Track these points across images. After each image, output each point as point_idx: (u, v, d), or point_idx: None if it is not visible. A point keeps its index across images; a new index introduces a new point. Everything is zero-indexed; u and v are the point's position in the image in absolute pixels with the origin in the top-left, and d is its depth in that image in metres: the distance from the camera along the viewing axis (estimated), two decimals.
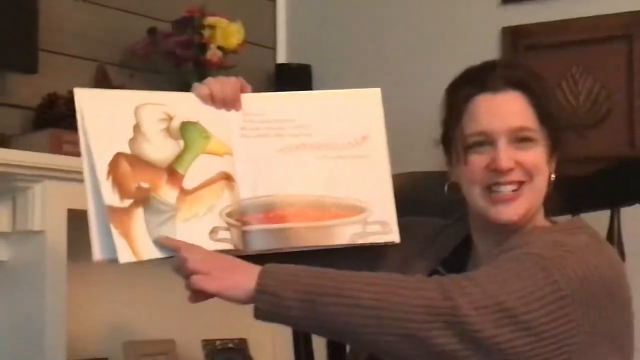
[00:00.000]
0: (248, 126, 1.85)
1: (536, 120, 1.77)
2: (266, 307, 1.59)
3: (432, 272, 1.82)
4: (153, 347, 2.80)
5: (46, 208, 2.41)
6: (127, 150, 1.72)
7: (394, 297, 1.56)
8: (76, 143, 1.72)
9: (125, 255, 1.67)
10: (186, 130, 1.79)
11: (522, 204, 1.77)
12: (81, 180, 1.71)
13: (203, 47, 2.87)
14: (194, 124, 1.80)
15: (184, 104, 1.82)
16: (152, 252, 1.69)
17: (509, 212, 1.76)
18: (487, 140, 1.76)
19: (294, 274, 1.59)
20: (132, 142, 1.74)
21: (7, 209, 2.43)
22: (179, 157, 1.77)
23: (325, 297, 1.56)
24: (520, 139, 1.76)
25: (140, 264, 1.69)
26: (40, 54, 2.64)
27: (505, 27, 3.10)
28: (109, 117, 1.74)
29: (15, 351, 2.42)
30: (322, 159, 1.86)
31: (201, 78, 1.89)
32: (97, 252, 1.68)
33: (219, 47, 2.88)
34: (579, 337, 1.61)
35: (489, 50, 3.08)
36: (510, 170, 1.75)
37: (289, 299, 1.57)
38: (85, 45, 2.86)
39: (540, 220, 1.82)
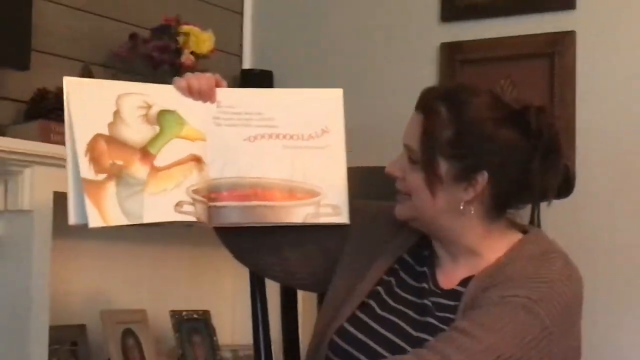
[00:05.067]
0: (221, 116, 1.83)
1: (420, 144, 1.70)
2: None
3: (398, 259, 1.80)
4: (127, 316, 2.79)
5: (34, 190, 2.39)
6: (106, 132, 1.71)
7: None
8: (62, 133, 1.73)
9: (94, 221, 1.66)
10: (163, 118, 1.78)
11: (404, 209, 1.75)
12: (66, 166, 1.71)
13: (178, 52, 2.86)
14: (171, 112, 1.79)
15: (163, 95, 1.80)
16: (119, 220, 1.69)
17: (395, 211, 1.76)
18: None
19: None
20: (111, 125, 1.72)
21: (0, 190, 2.40)
22: (153, 140, 1.75)
23: None
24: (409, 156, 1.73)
25: (108, 228, 1.69)
26: (33, 54, 2.62)
27: (443, 43, 3.11)
28: (92, 102, 1.73)
29: (4, 317, 2.40)
30: (285, 148, 1.84)
31: None
32: (72, 217, 1.68)
33: (192, 52, 2.87)
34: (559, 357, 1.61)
35: (428, 63, 3.11)
36: (396, 177, 1.74)
37: None
38: (72, 47, 2.84)
39: (499, 240, 1.73)
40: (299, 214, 1.83)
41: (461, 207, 1.69)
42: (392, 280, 1.78)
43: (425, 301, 1.72)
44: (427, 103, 1.71)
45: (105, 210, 1.68)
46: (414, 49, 3.15)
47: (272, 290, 2.02)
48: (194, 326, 2.94)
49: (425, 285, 1.75)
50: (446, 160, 1.67)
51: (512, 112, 1.68)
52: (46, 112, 2.54)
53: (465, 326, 1.57)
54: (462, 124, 1.67)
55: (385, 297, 1.76)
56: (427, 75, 3.04)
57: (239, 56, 3.41)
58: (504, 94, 1.73)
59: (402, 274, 1.79)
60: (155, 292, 2.98)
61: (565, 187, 1.75)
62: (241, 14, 3.43)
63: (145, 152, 1.74)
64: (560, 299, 1.60)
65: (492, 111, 1.68)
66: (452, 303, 1.68)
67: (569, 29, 2.92)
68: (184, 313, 2.94)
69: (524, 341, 1.55)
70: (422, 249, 1.81)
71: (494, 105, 1.69)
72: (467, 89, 1.76)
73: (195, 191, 1.76)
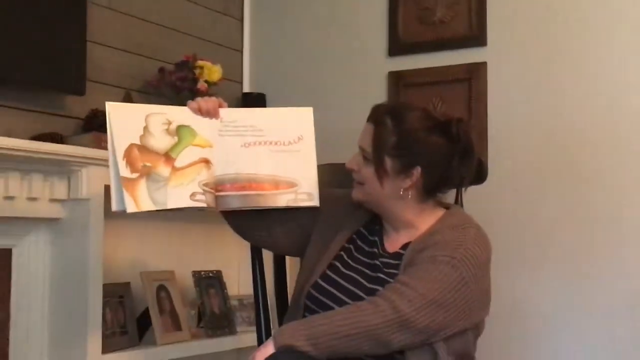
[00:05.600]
0: (223, 129, 1.79)
1: (372, 147, 1.67)
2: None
3: (356, 232, 1.78)
4: (160, 275, 2.76)
5: (90, 184, 2.36)
6: (138, 142, 1.70)
7: (362, 322, 1.54)
8: None
9: (131, 207, 1.66)
10: (180, 131, 1.75)
11: (358, 193, 1.73)
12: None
13: (195, 81, 2.80)
14: (187, 126, 1.76)
15: (180, 113, 1.78)
16: (149, 206, 1.68)
17: (352, 194, 1.75)
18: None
19: (296, 329, 1.53)
20: (141, 137, 1.71)
21: (64, 184, 2.38)
22: (173, 147, 1.73)
23: (323, 336, 1.53)
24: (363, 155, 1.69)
25: (141, 213, 1.69)
26: (88, 83, 2.60)
27: (390, 72, 3.06)
28: (127, 120, 1.71)
29: (70, 278, 2.39)
30: (271, 152, 1.81)
31: None
32: (114, 205, 1.68)
33: (206, 81, 2.82)
34: (473, 304, 1.61)
35: (379, 87, 3.06)
36: (353, 170, 1.72)
37: (303, 345, 1.52)
38: (117, 78, 2.80)
39: (429, 215, 1.71)
40: (283, 199, 1.81)
41: (401, 193, 1.69)
42: (352, 247, 1.78)
43: (376, 261, 1.72)
44: (377, 116, 1.69)
45: (139, 200, 1.66)
46: (369, 77, 3.11)
47: (267, 255, 2.01)
48: (210, 282, 2.89)
49: (375, 250, 1.75)
50: (391, 159, 1.67)
51: (439, 123, 1.68)
52: (98, 127, 2.50)
53: (405, 279, 1.59)
54: (402, 132, 1.66)
55: (347, 259, 1.76)
56: (378, 96, 3.00)
57: (240, 83, 3.35)
58: (434, 110, 1.72)
59: (359, 242, 1.78)
60: (181, 258, 2.92)
61: (478, 177, 1.77)
62: (241, 51, 3.37)
63: (167, 156, 1.72)
64: (474, 257, 1.61)
65: (423, 122, 1.67)
66: (395, 262, 1.69)
67: (482, 61, 2.89)
68: (202, 273, 2.90)
69: (448, 288, 1.57)
70: (373, 223, 1.79)
71: (425, 118, 1.68)
72: (406, 106, 1.79)
73: (205, 184, 1.74)
